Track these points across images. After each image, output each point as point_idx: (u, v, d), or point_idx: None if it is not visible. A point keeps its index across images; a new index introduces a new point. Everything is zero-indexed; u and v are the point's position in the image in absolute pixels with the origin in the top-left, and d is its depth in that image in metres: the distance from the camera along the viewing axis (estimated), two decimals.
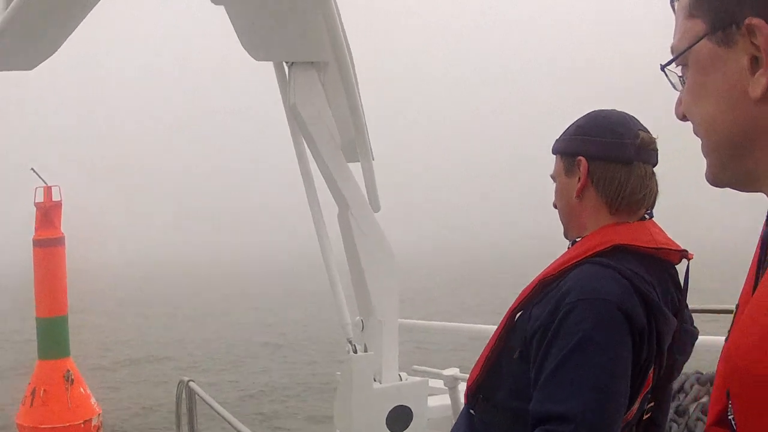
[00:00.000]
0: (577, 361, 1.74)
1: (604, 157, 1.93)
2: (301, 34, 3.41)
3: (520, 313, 1.95)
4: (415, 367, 3.31)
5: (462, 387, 3.18)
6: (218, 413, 3.18)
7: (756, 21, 0.88)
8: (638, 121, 1.99)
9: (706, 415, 2.47)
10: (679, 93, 1.04)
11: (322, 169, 3.56)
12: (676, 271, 2.01)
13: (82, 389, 13.00)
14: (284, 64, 3.60)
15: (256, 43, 3.50)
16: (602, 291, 1.78)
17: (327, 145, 3.50)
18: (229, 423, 3.21)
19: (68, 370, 12.84)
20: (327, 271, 3.75)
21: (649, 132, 1.97)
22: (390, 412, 3.32)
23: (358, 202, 3.52)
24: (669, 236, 1.97)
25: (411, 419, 3.36)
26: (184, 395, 3.77)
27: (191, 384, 3.59)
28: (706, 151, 0.99)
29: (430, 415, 3.92)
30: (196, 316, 34.21)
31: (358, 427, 3.32)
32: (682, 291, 1.99)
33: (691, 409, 2.73)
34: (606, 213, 1.96)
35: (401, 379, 3.51)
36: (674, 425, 2.75)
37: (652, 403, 1.99)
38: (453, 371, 3.17)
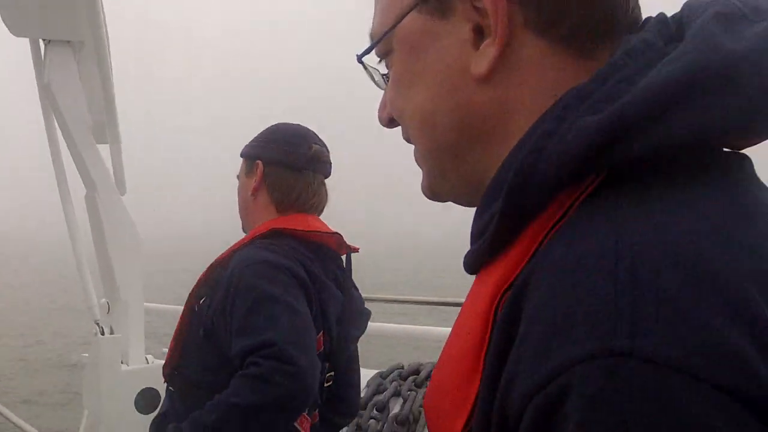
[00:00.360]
0: (262, 309, 1.99)
1: (277, 163, 2.21)
2: (59, 12, 3.42)
3: (203, 299, 2.19)
4: (165, 350, 3.36)
5: None
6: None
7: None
8: (317, 135, 2.28)
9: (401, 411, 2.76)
10: (383, 93, 0.83)
11: (71, 150, 3.57)
12: (341, 259, 2.32)
13: None
14: (41, 41, 3.60)
15: (15, 19, 3.49)
16: (263, 256, 2.08)
17: (78, 125, 3.52)
18: None
19: None
20: (74, 253, 3.75)
21: (324, 146, 2.28)
22: (138, 393, 3.36)
23: (106, 184, 3.56)
24: (329, 227, 2.29)
25: (159, 401, 3.41)
26: None
27: None
28: (421, 154, 0.80)
29: None
30: None
31: (107, 408, 3.34)
32: (347, 273, 2.31)
33: (391, 405, 2.87)
34: (274, 211, 2.26)
35: (148, 362, 3.57)
36: (373, 422, 2.84)
37: (332, 372, 2.27)
38: None
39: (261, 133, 2.30)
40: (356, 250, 2.31)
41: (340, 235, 2.25)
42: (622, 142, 0.59)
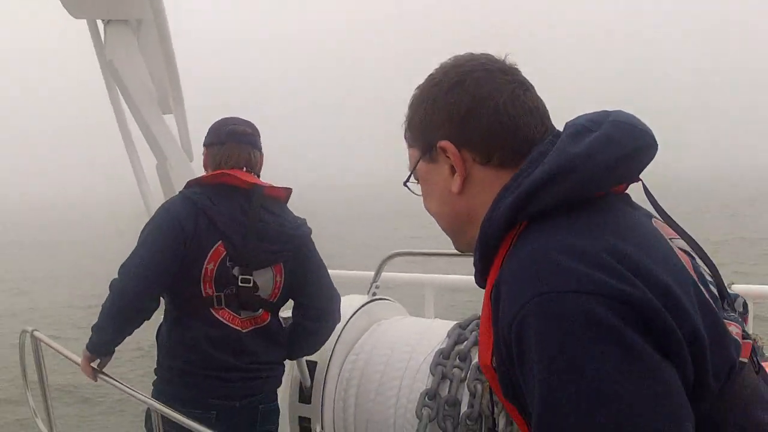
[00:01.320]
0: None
1: (208, 144, 3.04)
2: None
3: None
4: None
5: None
6: (73, 361, 3.20)
7: (443, 143, 1.33)
8: (240, 119, 3.07)
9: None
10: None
11: (139, 123, 3.68)
12: (253, 196, 2.93)
13: None
14: (99, 21, 3.70)
15: (75, 2, 3.59)
16: (168, 204, 2.92)
17: (144, 98, 3.62)
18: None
19: None
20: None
21: (244, 126, 3.03)
22: None
23: (176, 153, 3.69)
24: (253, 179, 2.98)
25: None
26: (28, 346, 3.70)
27: (36, 333, 3.56)
28: (444, 231, 1.45)
29: None
30: None
31: None
32: (257, 207, 2.92)
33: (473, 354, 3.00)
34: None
35: None
36: (457, 370, 2.99)
37: (248, 275, 2.92)
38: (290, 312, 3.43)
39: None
40: (279, 192, 3.02)
41: (258, 183, 2.95)
42: (524, 207, 1.21)
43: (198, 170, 3.71)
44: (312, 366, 3.39)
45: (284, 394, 3.66)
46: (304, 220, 3.11)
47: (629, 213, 1.27)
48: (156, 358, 3.00)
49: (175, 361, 2.90)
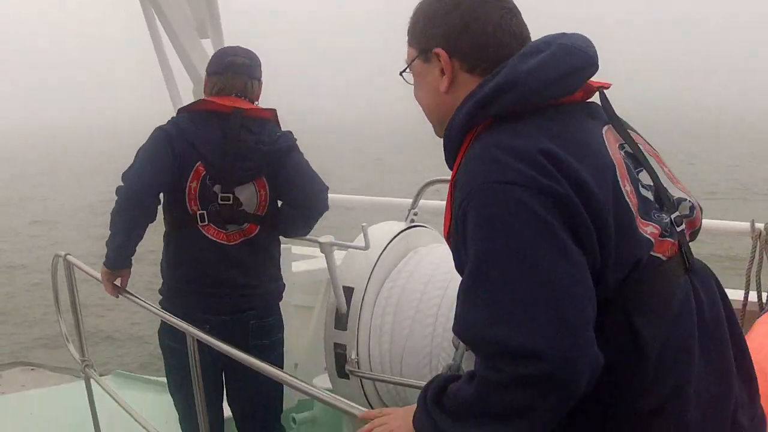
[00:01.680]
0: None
1: (209, 73, 3.24)
2: None
3: None
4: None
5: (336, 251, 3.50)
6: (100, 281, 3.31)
7: (438, 50, 1.58)
8: (241, 50, 3.23)
9: None
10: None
11: (177, 48, 3.65)
12: (236, 119, 3.11)
13: None
14: None
15: None
16: (160, 127, 3.16)
17: (182, 24, 3.59)
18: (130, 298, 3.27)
19: None
20: None
21: (243, 58, 3.19)
22: None
23: None
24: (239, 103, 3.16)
25: None
26: (60, 270, 3.78)
27: (69, 257, 3.64)
28: (428, 119, 1.71)
29: (304, 280, 4.24)
30: None
31: None
32: (236, 129, 3.12)
33: None
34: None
35: None
36: None
37: (228, 193, 3.16)
38: (329, 238, 3.44)
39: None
40: (263, 113, 3.20)
41: (238, 107, 3.12)
42: (477, 114, 1.49)
43: None
44: (348, 292, 3.40)
45: (320, 320, 3.70)
46: (286, 133, 3.27)
47: (576, 119, 1.54)
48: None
49: (169, 279, 3.24)
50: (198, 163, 3.09)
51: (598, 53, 1.55)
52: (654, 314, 1.42)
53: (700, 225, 1.67)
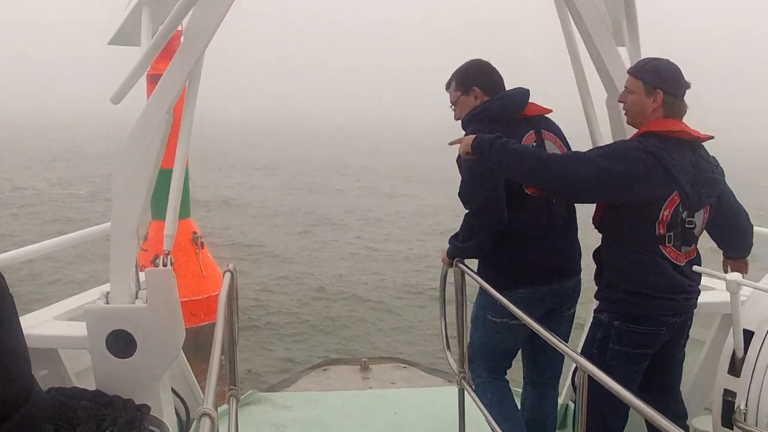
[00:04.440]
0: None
1: (666, 90, 3.17)
2: None
3: None
4: (696, 268, 3.29)
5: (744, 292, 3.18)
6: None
7: (475, 88, 3.61)
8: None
9: None
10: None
11: (591, 52, 3.56)
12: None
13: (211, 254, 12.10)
14: None
15: None
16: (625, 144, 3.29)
17: (597, 27, 3.47)
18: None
19: (195, 232, 11.82)
20: None
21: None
22: None
23: None
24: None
25: None
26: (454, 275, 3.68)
27: (460, 265, 3.56)
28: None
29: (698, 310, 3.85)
30: None
31: None
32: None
33: None
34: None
35: None
36: None
37: None
38: (736, 275, 3.11)
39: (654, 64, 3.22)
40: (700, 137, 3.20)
41: (697, 135, 3.16)
42: (479, 116, 3.65)
43: None
44: (748, 336, 3.05)
45: (710, 358, 3.39)
46: (716, 159, 3.33)
47: (521, 125, 3.54)
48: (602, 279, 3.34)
49: (631, 284, 3.18)
50: (675, 193, 3.10)
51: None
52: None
53: None
